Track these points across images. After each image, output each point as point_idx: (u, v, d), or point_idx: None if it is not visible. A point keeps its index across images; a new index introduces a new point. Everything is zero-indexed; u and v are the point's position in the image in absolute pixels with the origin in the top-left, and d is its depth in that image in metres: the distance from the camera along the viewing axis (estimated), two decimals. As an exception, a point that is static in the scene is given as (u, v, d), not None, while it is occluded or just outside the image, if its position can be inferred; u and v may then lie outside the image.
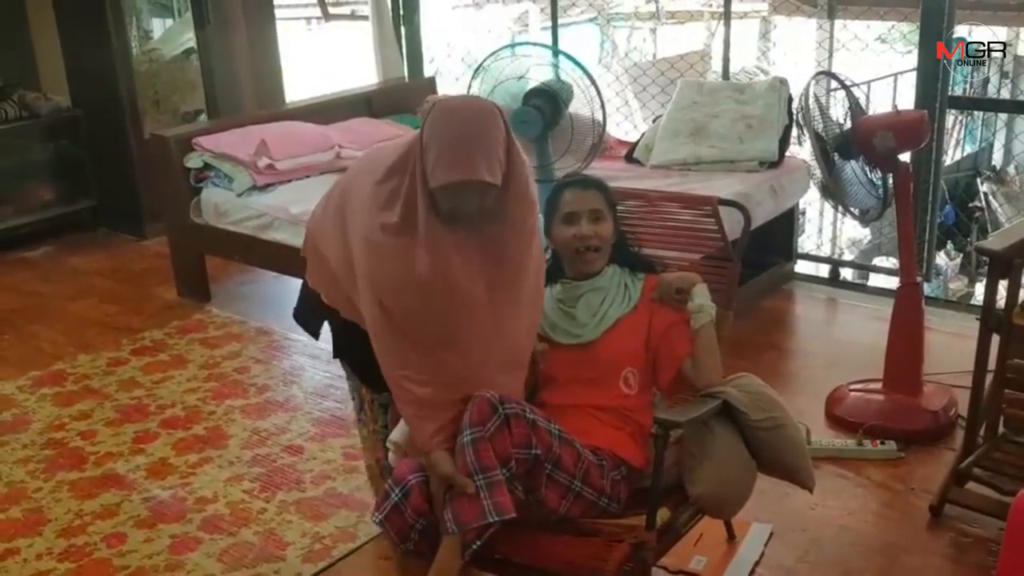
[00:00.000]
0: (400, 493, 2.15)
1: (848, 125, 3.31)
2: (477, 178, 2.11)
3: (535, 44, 4.14)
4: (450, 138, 2.14)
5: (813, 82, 3.36)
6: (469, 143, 2.14)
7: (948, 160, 7.57)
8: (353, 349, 2.46)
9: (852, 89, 3.35)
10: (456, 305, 2.23)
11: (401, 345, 2.25)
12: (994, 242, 2.85)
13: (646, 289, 2.51)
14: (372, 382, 2.49)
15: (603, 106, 3.82)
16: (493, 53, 3.89)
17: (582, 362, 2.45)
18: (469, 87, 3.90)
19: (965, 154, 9.21)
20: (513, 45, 4.08)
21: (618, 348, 2.44)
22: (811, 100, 3.28)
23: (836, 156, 3.30)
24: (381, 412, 2.59)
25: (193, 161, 4.58)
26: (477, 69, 3.89)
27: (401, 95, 5.64)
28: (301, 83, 6.21)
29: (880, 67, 6.93)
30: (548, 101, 3.79)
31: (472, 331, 2.26)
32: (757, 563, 2.72)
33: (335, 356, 2.59)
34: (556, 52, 4.00)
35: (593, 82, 3.78)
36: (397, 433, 2.41)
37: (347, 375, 2.71)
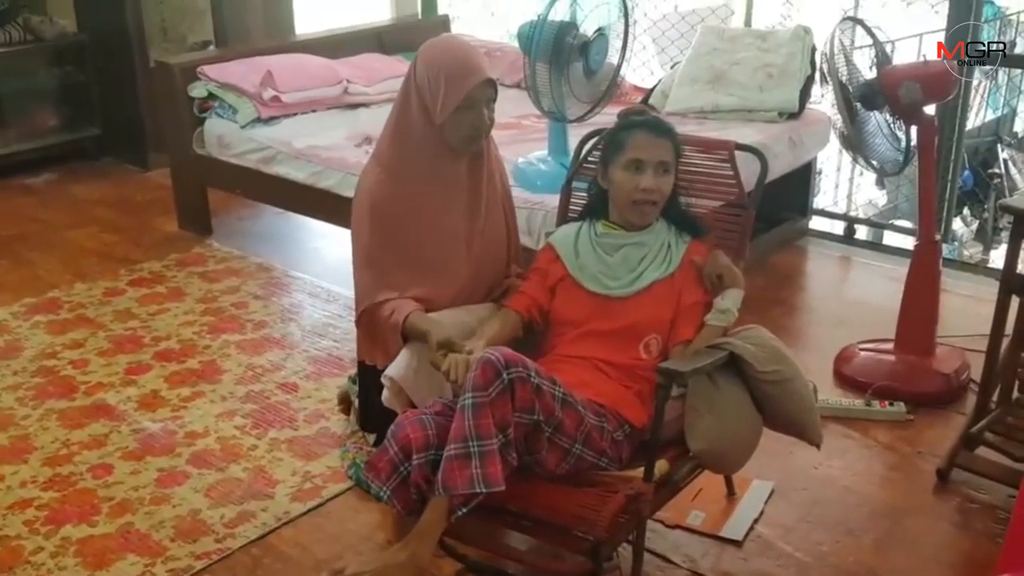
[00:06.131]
0: (406, 469, 2.06)
1: (873, 75, 3.19)
2: (488, 76, 2.37)
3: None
4: (451, 58, 2.39)
5: (839, 28, 3.23)
6: (470, 53, 2.42)
7: (970, 124, 7.42)
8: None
9: (878, 37, 3.22)
10: (443, 236, 2.49)
11: (388, 274, 2.48)
12: (1019, 200, 2.75)
13: (688, 255, 2.40)
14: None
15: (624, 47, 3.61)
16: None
17: (605, 315, 2.36)
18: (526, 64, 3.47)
19: (987, 119, 9.04)
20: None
21: (646, 312, 2.35)
22: (836, 46, 3.16)
23: (859, 106, 3.19)
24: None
25: (197, 90, 4.48)
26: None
27: (413, 33, 5.50)
28: (312, 15, 6.07)
29: (907, 25, 6.75)
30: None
31: (454, 259, 2.50)
32: (756, 521, 2.65)
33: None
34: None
35: (627, 23, 3.56)
36: (394, 368, 2.34)
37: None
